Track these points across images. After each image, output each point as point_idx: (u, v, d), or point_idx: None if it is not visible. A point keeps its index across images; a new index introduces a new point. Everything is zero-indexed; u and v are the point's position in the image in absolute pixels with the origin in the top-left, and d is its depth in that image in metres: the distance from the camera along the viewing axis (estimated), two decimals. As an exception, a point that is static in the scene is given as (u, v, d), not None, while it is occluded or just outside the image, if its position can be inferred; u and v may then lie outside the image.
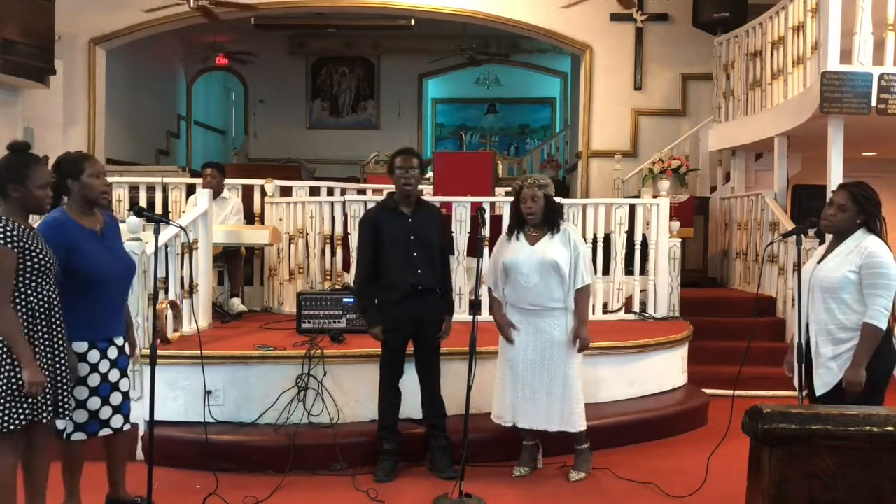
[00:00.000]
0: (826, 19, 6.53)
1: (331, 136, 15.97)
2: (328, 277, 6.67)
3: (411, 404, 4.67)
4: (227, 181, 7.41)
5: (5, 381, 3.10)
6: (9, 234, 3.14)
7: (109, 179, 4.70)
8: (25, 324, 3.19)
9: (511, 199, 6.88)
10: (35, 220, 3.50)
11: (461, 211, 6.27)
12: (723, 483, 4.21)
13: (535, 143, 16.94)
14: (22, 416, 3.15)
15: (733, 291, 8.37)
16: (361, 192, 8.20)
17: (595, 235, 6.48)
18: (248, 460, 4.57)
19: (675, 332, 6.05)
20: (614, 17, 10.32)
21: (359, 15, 12.61)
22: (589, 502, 4.26)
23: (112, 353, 3.62)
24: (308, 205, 6.80)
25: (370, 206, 6.32)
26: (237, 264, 6.90)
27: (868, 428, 2.62)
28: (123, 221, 4.38)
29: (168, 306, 5.18)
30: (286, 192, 7.48)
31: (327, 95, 16.40)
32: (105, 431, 3.62)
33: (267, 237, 6.60)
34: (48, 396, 3.24)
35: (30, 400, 3.15)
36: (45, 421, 3.24)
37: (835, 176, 6.63)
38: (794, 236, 3.97)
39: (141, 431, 4.57)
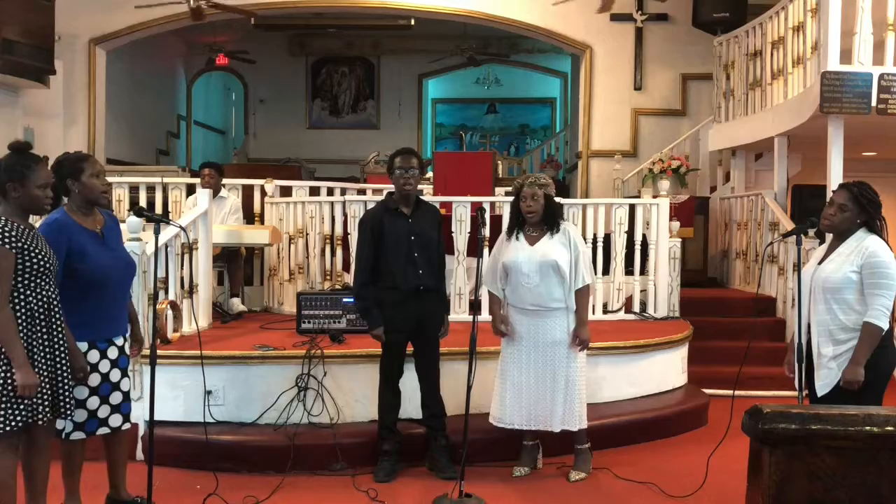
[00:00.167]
0: (826, 19, 6.53)
1: (331, 136, 15.97)
2: (328, 277, 6.67)
3: (411, 404, 4.67)
4: (228, 181, 7.41)
5: (1, 382, 3.10)
6: (8, 234, 3.14)
7: (109, 179, 4.70)
8: (24, 324, 3.19)
9: (511, 198, 6.90)
10: (36, 221, 3.51)
11: (461, 211, 6.27)
12: (723, 483, 4.22)
13: (535, 143, 16.93)
14: (19, 418, 3.15)
15: (733, 291, 8.37)
16: (361, 192, 8.20)
17: (595, 235, 6.48)
18: (248, 460, 4.57)
19: (675, 332, 6.05)
20: (614, 18, 10.31)
21: (359, 15, 12.61)
22: (589, 502, 4.26)
23: (112, 353, 3.62)
24: (308, 205, 6.80)
25: (370, 206, 6.34)
26: (237, 264, 6.90)
27: (868, 428, 2.62)
28: (123, 221, 4.37)
29: (168, 306, 5.18)
30: (286, 192, 7.48)
31: (327, 95, 16.40)
32: (103, 430, 3.62)
33: (267, 237, 6.60)
34: (46, 397, 3.24)
35: (26, 401, 3.15)
36: (41, 422, 3.23)
37: (835, 176, 6.62)
38: (794, 236, 3.97)
39: (141, 431, 4.57)
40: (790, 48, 7.48)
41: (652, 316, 6.64)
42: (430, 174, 7.79)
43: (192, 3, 9.11)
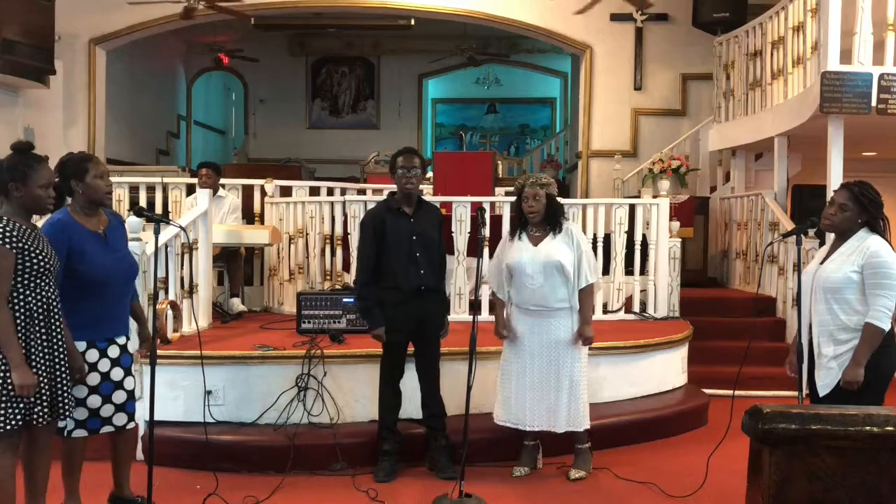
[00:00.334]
0: (826, 19, 6.53)
1: (331, 136, 15.97)
2: (328, 277, 6.67)
3: (411, 404, 4.67)
4: (228, 181, 7.42)
5: (0, 382, 3.11)
6: (9, 234, 3.15)
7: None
8: (23, 325, 3.19)
9: (511, 199, 6.90)
10: (39, 222, 3.51)
11: (461, 211, 6.27)
12: (723, 483, 4.21)
13: (535, 143, 16.93)
14: (18, 417, 3.15)
15: (733, 291, 8.37)
16: (361, 192, 8.20)
17: (595, 235, 6.48)
18: (248, 460, 4.57)
19: (675, 332, 6.05)
20: (614, 17, 10.32)
21: (359, 15, 12.61)
22: (589, 502, 4.26)
23: (113, 351, 3.62)
24: (308, 205, 6.80)
25: (370, 206, 6.34)
26: (237, 264, 6.90)
27: (868, 428, 2.62)
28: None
29: (168, 306, 5.17)
30: (286, 192, 7.48)
31: (327, 95, 16.40)
32: (107, 429, 3.62)
33: (267, 237, 6.60)
34: (44, 397, 3.24)
35: (25, 400, 3.16)
36: (40, 423, 3.23)
37: (835, 176, 6.63)
38: (794, 236, 3.97)
39: (141, 431, 4.56)
40: (790, 48, 7.48)
41: (652, 316, 6.64)
42: (430, 174, 7.79)
43: (190, 2, 9.10)
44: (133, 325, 3.85)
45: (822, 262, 3.70)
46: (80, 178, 3.53)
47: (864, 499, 2.63)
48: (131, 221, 4.60)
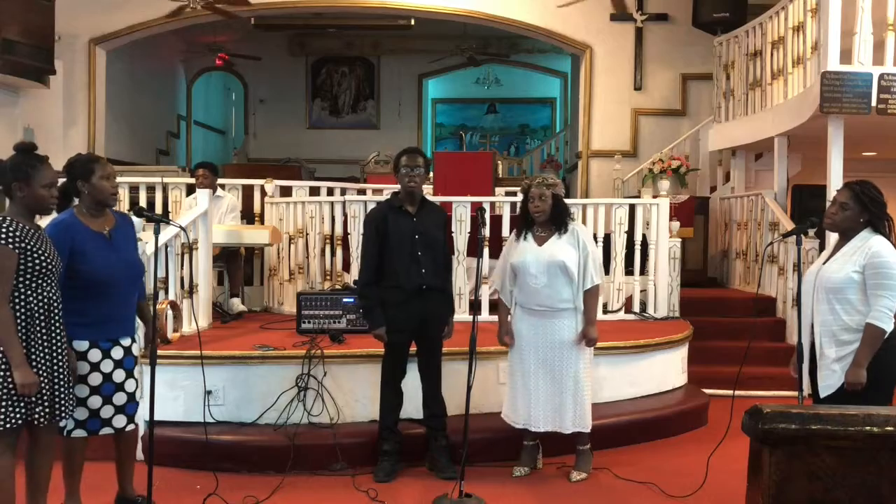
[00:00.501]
0: (826, 19, 6.53)
1: (331, 136, 15.97)
2: (328, 277, 6.67)
3: (412, 404, 4.67)
4: (228, 181, 7.42)
5: (1, 381, 3.11)
6: (12, 234, 3.16)
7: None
8: (23, 324, 3.20)
9: (511, 199, 6.92)
10: (45, 222, 3.52)
11: (461, 211, 6.27)
12: (723, 483, 4.21)
13: (535, 143, 16.93)
14: (17, 416, 3.16)
15: (733, 291, 8.37)
16: (361, 192, 8.21)
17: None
18: (248, 460, 4.57)
19: (675, 332, 6.05)
20: (614, 17, 10.33)
21: (359, 15, 12.61)
22: (589, 502, 4.26)
23: (117, 353, 3.62)
24: (308, 205, 6.80)
25: (370, 206, 6.35)
26: (237, 264, 6.90)
27: (868, 428, 2.62)
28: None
29: (168, 306, 5.17)
30: (286, 192, 7.48)
31: (327, 95, 16.40)
32: (106, 430, 3.62)
33: (267, 237, 6.60)
34: (44, 397, 3.25)
35: (25, 399, 3.16)
36: (40, 422, 3.24)
37: (835, 176, 6.62)
38: (794, 236, 3.96)
39: (141, 431, 4.56)
40: (790, 48, 7.48)
41: (652, 316, 6.64)
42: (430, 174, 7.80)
43: (193, 2, 9.10)
44: (141, 325, 3.85)
45: (825, 263, 3.68)
46: (87, 178, 3.55)
47: (864, 499, 2.63)
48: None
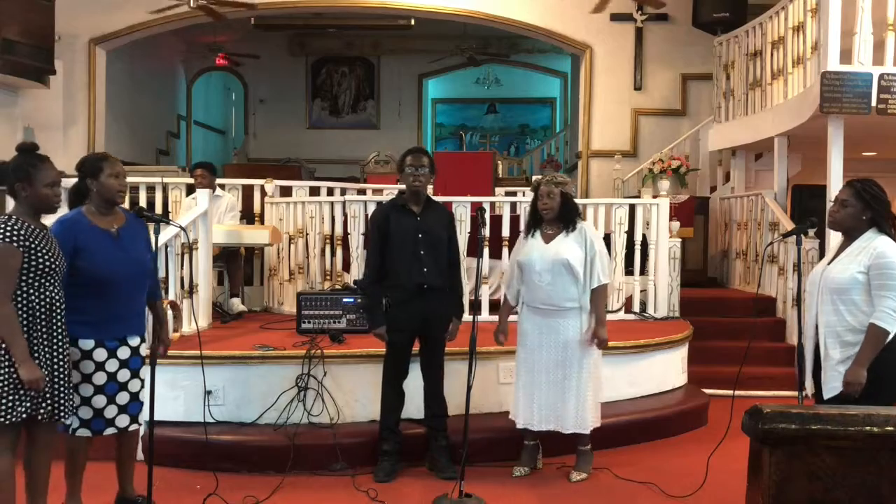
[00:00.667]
0: (826, 19, 6.53)
1: (331, 136, 15.98)
2: (328, 277, 6.67)
3: (412, 404, 4.66)
4: (228, 181, 7.42)
5: (6, 375, 3.13)
6: (16, 232, 3.19)
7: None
8: (25, 323, 3.21)
9: (511, 198, 6.93)
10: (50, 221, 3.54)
11: (461, 211, 6.27)
12: (723, 483, 4.21)
13: (535, 143, 16.94)
14: (21, 409, 3.17)
15: (733, 291, 8.37)
16: (361, 192, 8.20)
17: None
18: (248, 460, 4.57)
19: (675, 332, 6.05)
20: (614, 17, 10.32)
21: (359, 15, 12.61)
22: (589, 502, 4.26)
23: (123, 353, 3.62)
24: (308, 205, 6.80)
25: (370, 206, 6.36)
26: (237, 264, 6.90)
27: (868, 428, 2.62)
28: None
29: (168, 306, 5.17)
30: (286, 192, 7.47)
31: (327, 95, 16.40)
32: (110, 430, 3.62)
33: (267, 237, 6.60)
34: (47, 394, 3.26)
35: (30, 394, 3.18)
36: (43, 417, 3.25)
37: (835, 176, 6.62)
38: (794, 236, 3.96)
39: (141, 431, 4.56)
40: (790, 48, 7.48)
41: (652, 316, 6.64)
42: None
43: (193, 2, 9.09)
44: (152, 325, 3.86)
45: (829, 263, 3.64)
46: (95, 176, 3.58)
47: (864, 499, 2.63)
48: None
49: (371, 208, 6.33)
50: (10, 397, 3.15)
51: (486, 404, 5.04)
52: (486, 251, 6.05)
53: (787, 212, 8.07)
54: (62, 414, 3.35)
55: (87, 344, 3.52)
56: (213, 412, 4.71)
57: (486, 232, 5.31)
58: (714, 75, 9.54)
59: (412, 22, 12.68)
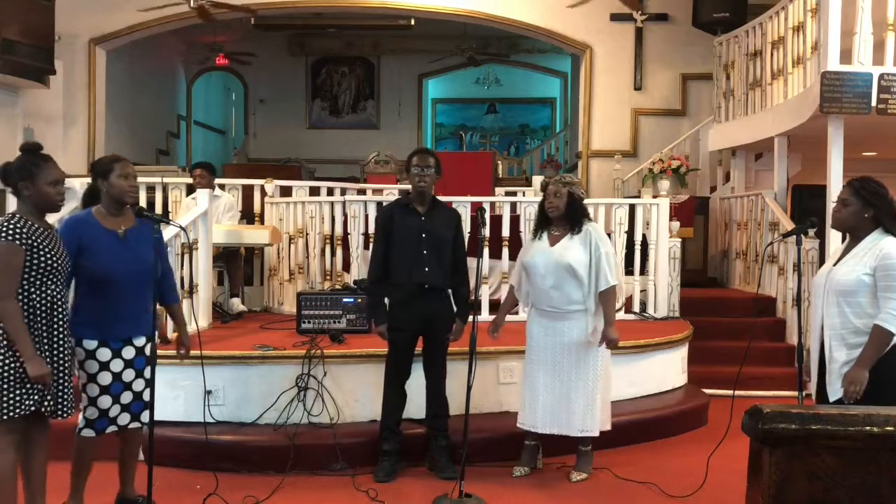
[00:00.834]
0: (826, 19, 6.53)
1: (331, 136, 15.98)
2: (328, 277, 6.67)
3: (413, 404, 4.66)
4: (228, 181, 7.42)
5: (11, 369, 3.16)
6: (19, 231, 3.21)
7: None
8: (25, 321, 3.23)
9: (511, 198, 6.92)
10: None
11: (461, 211, 6.25)
12: (723, 483, 4.21)
13: (535, 143, 16.94)
14: (29, 403, 3.20)
15: (733, 291, 8.37)
16: (361, 192, 8.20)
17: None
18: (248, 460, 4.57)
19: (675, 332, 6.05)
20: (614, 17, 10.33)
21: (359, 15, 12.61)
22: (589, 502, 4.26)
23: (128, 353, 3.63)
24: (308, 205, 6.80)
25: (370, 206, 6.37)
26: (237, 264, 6.90)
27: (868, 428, 2.62)
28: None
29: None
30: (286, 192, 7.47)
31: (327, 95, 16.40)
32: (111, 429, 3.64)
33: (267, 237, 6.60)
34: (49, 392, 3.28)
35: (37, 387, 3.21)
36: (46, 412, 3.28)
37: (835, 176, 6.62)
38: (794, 236, 3.95)
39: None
40: (790, 48, 7.48)
41: (652, 316, 6.64)
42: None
43: (192, 2, 9.09)
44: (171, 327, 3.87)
45: (834, 265, 3.60)
46: (106, 177, 3.62)
47: (864, 499, 2.63)
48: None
49: (371, 208, 6.34)
50: (18, 391, 3.18)
51: (486, 404, 5.04)
52: (486, 251, 6.05)
53: (787, 212, 8.07)
54: (63, 412, 3.36)
55: (90, 344, 3.55)
56: (213, 412, 4.71)
57: (486, 232, 5.31)
58: (714, 75, 9.55)
59: (412, 22, 12.68)
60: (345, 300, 5.59)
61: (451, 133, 17.29)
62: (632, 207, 6.73)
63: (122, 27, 10.34)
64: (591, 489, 4.42)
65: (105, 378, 3.58)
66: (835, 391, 3.51)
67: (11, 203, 4.57)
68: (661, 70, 10.43)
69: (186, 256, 5.64)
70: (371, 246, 4.65)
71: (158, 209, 7.07)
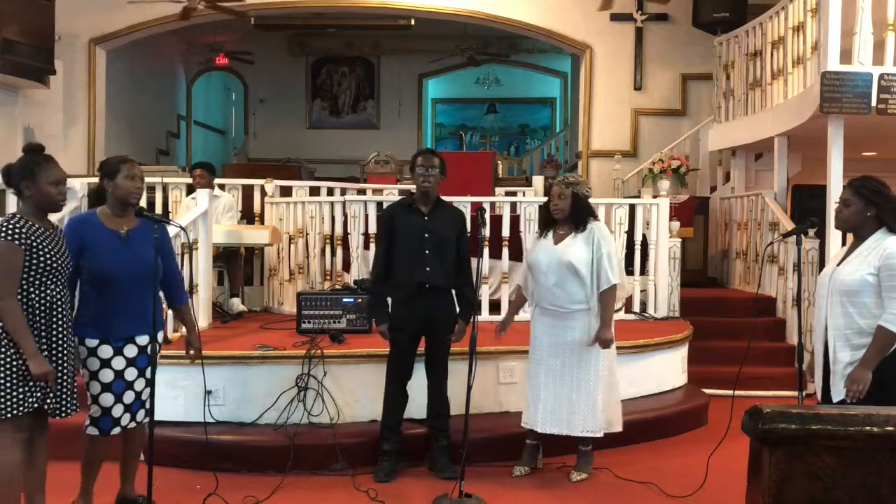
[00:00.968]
0: (826, 19, 6.52)
1: (331, 136, 15.98)
2: (328, 277, 6.67)
3: (413, 404, 4.66)
4: (228, 181, 7.42)
5: (14, 367, 3.17)
6: (17, 230, 3.22)
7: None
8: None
9: (511, 198, 6.91)
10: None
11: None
12: (723, 483, 4.21)
13: (535, 143, 16.94)
14: (33, 400, 3.22)
15: (733, 291, 8.37)
16: (361, 192, 8.20)
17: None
18: (248, 460, 4.57)
19: (675, 332, 6.05)
20: (614, 17, 10.34)
21: (359, 15, 12.61)
22: (589, 502, 4.26)
23: (130, 351, 3.64)
24: (308, 205, 6.80)
25: (371, 206, 6.37)
26: (237, 264, 6.90)
27: (868, 428, 2.62)
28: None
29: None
30: (286, 192, 7.47)
31: (327, 95, 16.40)
32: (116, 430, 3.65)
33: (267, 237, 6.60)
34: (50, 390, 3.30)
35: (40, 384, 3.23)
36: (49, 408, 3.29)
37: (835, 176, 6.62)
38: (794, 236, 3.95)
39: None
40: (790, 48, 7.48)
41: (652, 316, 6.64)
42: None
43: (190, 1, 9.10)
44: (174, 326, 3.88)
45: (838, 264, 3.57)
46: (112, 177, 3.64)
47: (864, 499, 2.62)
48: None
49: (371, 208, 6.34)
50: (21, 389, 3.20)
51: (486, 404, 5.04)
52: (486, 251, 6.05)
53: (787, 212, 8.07)
54: (63, 411, 3.36)
55: (92, 342, 3.57)
56: (213, 412, 4.70)
57: (487, 232, 5.31)
58: (714, 75, 9.54)
59: (412, 22, 12.67)
60: (345, 300, 5.59)
61: (451, 133, 17.29)
62: (632, 207, 6.73)
63: (122, 27, 10.34)
64: (592, 489, 4.42)
65: (106, 375, 3.58)
66: (838, 392, 3.49)
67: (11, 203, 4.58)
68: (661, 70, 10.43)
69: (186, 256, 5.64)
70: (372, 245, 4.64)
71: (158, 209, 7.07)
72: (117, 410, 3.62)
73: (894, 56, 6.53)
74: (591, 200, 4.56)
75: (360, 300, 5.56)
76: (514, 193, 8.49)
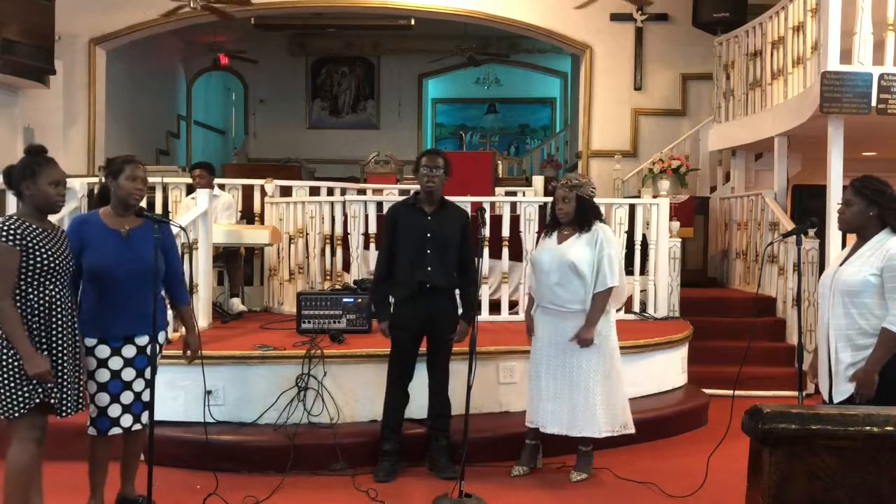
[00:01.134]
0: (826, 19, 6.53)
1: (331, 136, 15.98)
2: (328, 277, 6.67)
3: (413, 404, 4.66)
4: (228, 181, 7.42)
5: (16, 368, 3.18)
6: (13, 231, 3.23)
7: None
8: (23, 322, 3.24)
9: (511, 198, 6.92)
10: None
11: (461, 211, 6.26)
12: (723, 483, 4.21)
13: (535, 143, 16.94)
14: (36, 396, 3.23)
15: (733, 291, 8.37)
16: (361, 192, 8.20)
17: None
18: (248, 460, 4.57)
19: (675, 332, 6.05)
20: (614, 17, 10.34)
21: (359, 15, 12.62)
22: (589, 502, 4.26)
23: (128, 351, 3.64)
24: (308, 205, 6.80)
25: (371, 206, 6.37)
26: (237, 264, 6.90)
27: (868, 428, 2.62)
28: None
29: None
30: (286, 192, 7.48)
31: (327, 95, 16.40)
32: (115, 430, 3.64)
33: (267, 237, 6.60)
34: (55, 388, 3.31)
35: (42, 384, 3.24)
36: (54, 403, 3.30)
37: (835, 176, 6.62)
38: (794, 236, 3.95)
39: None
40: (790, 48, 7.48)
41: (652, 316, 6.64)
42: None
43: (194, 2, 9.09)
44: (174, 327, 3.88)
45: (841, 265, 3.55)
46: (115, 177, 3.65)
47: (864, 499, 2.62)
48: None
49: (371, 208, 6.34)
50: (26, 387, 3.21)
51: (486, 404, 5.04)
52: (486, 251, 6.05)
53: (787, 212, 8.07)
54: (63, 411, 3.36)
55: (90, 341, 3.57)
56: (213, 412, 4.70)
57: (486, 232, 5.31)
58: (714, 75, 9.54)
59: (412, 22, 12.68)
60: (345, 300, 5.59)
61: (451, 133, 17.29)
62: (632, 207, 6.73)
63: (122, 27, 10.34)
64: (591, 489, 4.42)
65: (102, 375, 3.58)
66: (840, 392, 3.48)
67: (11, 204, 4.58)
68: (661, 70, 10.43)
69: (186, 256, 5.64)
70: (372, 246, 4.65)
71: (158, 209, 7.07)
72: (114, 410, 3.62)
73: (894, 56, 6.53)
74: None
75: (360, 300, 5.57)
76: (514, 193, 8.49)
